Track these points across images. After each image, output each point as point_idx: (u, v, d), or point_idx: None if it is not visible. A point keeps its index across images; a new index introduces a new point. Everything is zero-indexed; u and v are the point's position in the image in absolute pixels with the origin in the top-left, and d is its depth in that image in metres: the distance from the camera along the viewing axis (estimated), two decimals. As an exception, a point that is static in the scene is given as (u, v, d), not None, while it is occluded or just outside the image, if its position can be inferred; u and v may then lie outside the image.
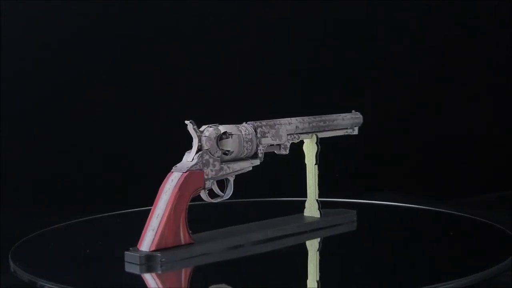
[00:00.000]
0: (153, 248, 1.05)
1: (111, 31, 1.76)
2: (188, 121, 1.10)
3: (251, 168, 1.16)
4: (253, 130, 1.15)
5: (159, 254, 1.04)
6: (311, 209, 1.24)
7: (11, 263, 1.10)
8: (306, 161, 1.24)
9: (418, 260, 1.10)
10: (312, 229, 1.21)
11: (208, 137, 1.11)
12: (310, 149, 1.23)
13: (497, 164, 1.76)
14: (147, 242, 1.05)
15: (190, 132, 1.10)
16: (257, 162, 1.16)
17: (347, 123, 1.27)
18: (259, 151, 1.16)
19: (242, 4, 1.78)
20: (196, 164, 1.09)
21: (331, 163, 1.25)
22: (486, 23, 1.78)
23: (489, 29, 1.78)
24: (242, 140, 1.14)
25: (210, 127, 1.12)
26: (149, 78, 1.77)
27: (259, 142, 1.16)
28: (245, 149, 1.14)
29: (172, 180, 1.08)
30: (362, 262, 1.10)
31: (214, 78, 1.78)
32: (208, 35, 1.78)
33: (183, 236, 1.07)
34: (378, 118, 1.76)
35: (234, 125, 1.15)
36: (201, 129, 1.12)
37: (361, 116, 1.29)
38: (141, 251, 1.05)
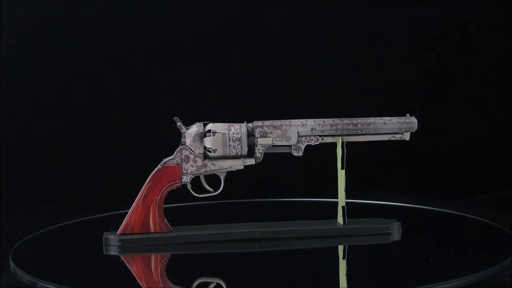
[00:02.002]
0: (120, 232, 1.14)
1: (112, 31, 1.75)
2: (174, 118, 1.16)
3: (242, 167, 1.17)
4: (245, 130, 1.16)
5: (117, 238, 1.13)
6: (339, 215, 1.19)
7: (11, 264, 1.10)
8: (338, 165, 1.20)
9: (418, 260, 1.09)
10: (316, 236, 1.16)
11: (190, 134, 1.15)
12: (338, 153, 1.19)
13: (498, 164, 1.76)
14: (120, 227, 1.15)
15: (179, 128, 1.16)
16: (251, 161, 1.16)
17: (391, 127, 1.20)
18: (257, 151, 1.16)
19: (246, 3, 1.78)
20: (173, 158, 1.16)
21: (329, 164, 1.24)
22: (491, 22, 1.78)
23: (492, 29, 1.78)
24: (227, 139, 1.15)
25: (195, 124, 1.16)
26: (154, 78, 1.76)
27: (257, 142, 1.16)
28: (231, 148, 1.15)
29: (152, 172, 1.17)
30: (360, 261, 1.10)
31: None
32: (214, 34, 1.77)
33: (153, 225, 1.14)
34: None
35: (226, 124, 1.16)
36: (190, 126, 1.16)
37: (413, 120, 1.21)
38: (114, 234, 1.15)
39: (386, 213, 1.41)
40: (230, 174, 1.19)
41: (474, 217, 1.33)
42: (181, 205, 1.29)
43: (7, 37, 1.72)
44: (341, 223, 1.18)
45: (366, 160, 1.65)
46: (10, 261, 1.11)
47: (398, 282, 1.01)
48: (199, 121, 1.18)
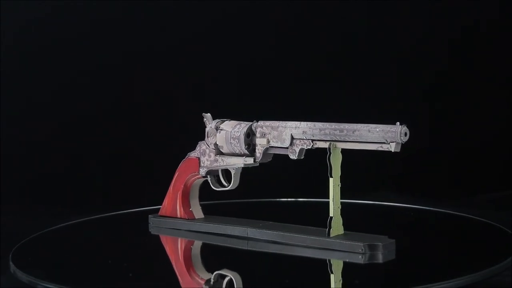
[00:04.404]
0: (159, 214, 1.28)
1: (112, 30, 1.76)
2: (203, 114, 1.22)
3: (242, 165, 1.19)
4: (245, 129, 1.16)
5: (152, 218, 1.28)
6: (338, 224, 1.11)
7: (11, 264, 1.10)
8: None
9: (417, 260, 1.09)
10: (292, 243, 1.13)
11: (206, 130, 1.22)
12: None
13: (498, 164, 1.76)
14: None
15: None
16: (250, 160, 1.17)
17: (375, 136, 1.07)
18: (257, 150, 1.16)
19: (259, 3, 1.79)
20: (195, 151, 1.24)
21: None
22: (492, 23, 1.78)
23: (491, 30, 1.78)
24: (229, 137, 1.18)
25: (216, 120, 1.21)
26: (154, 78, 1.76)
27: (256, 142, 1.16)
28: (232, 145, 1.18)
29: None
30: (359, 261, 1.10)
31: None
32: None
33: (179, 210, 1.25)
34: (378, 117, 1.75)
35: (236, 122, 1.19)
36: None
37: (398, 130, 1.06)
38: (154, 215, 1.29)
39: (386, 213, 1.42)
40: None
41: (474, 217, 1.33)
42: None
43: (7, 37, 1.72)
44: (324, 234, 1.11)
45: (365, 160, 1.65)
46: (10, 261, 1.11)
47: (398, 282, 1.01)
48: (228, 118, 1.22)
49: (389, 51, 1.79)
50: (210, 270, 1.06)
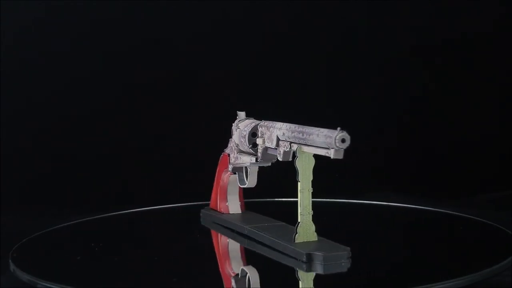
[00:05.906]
0: (210, 206, 1.32)
1: (111, 30, 1.76)
2: (238, 112, 1.24)
3: (248, 164, 1.20)
4: (250, 128, 1.17)
5: (203, 211, 1.32)
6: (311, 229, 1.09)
7: (11, 264, 1.10)
8: None
9: (417, 260, 1.10)
10: (270, 245, 1.12)
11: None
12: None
13: (498, 164, 1.76)
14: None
15: None
16: (253, 159, 1.18)
17: (321, 141, 1.00)
18: (258, 150, 1.17)
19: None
20: (227, 148, 1.27)
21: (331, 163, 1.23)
22: (491, 25, 1.78)
23: (491, 30, 1.78)
24: (240, 136, 1.20)
25: (240, 119, 1.23)
26: (153, 78, 1.76)
27: (256, 141, 1.17)
28: (242, 144, 1.19)
29: None
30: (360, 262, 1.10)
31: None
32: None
33: (218, 204, 1.29)
34: (378, 117, 1.76)
35: (250, 121, 1.21)
36: None
37: (334, 136, 0.97)
38: (206, 207, 1.33)
39: (385, 214, 1.42)
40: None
41: (474, 217, 1.33)
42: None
43: (7, 37, 1.72)
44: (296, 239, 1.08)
45: (365, 159, 1.65)
46: (10, 261, 1.11)
47: (397, 282, 1.02)
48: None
49: (389, 51, 1.79)
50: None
